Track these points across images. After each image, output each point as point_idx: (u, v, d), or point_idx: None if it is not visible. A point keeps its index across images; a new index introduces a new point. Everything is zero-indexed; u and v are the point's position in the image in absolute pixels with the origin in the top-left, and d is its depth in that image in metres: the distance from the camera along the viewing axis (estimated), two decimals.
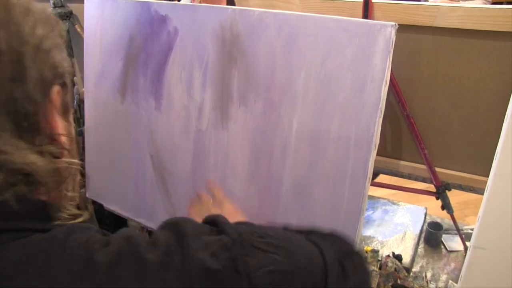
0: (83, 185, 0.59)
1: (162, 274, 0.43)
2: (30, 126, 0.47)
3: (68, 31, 1.50)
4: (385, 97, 0.72)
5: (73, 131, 0.56)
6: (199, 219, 0.90)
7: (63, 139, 0.52)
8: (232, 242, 0.47)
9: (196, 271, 0.44)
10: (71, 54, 1.54)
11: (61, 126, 0.52)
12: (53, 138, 0.51)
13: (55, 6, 1.47)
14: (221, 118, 0.90)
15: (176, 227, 0.49)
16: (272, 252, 0.49)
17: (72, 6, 1.51)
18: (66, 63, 0.53)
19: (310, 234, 0.63)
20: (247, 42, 0.84)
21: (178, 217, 0.53)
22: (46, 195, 0.50)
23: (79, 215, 0.52)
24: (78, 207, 0.53)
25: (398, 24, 0.72)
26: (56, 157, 0.51)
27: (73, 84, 1.45)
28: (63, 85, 0.53)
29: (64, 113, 0.54)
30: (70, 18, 1.50)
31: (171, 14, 0.93)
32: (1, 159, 0.43)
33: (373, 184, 1.37)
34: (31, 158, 0.46)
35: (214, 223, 0.53)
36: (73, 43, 1.54)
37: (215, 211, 0.91)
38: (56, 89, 0.51)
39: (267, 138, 0.85)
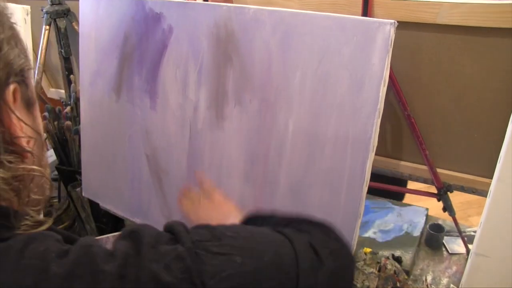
0: (50, 187, 0.55)
1: (118, 287, 0.42)
2: None
3: (65, 29, 1.49)
4: (384, 97, 0.70)
5: (40, 127, 0.53)
6: (191, 211, 0.88)
7: (23, 141, 0.49)
8: (186, 251, 0.46)
9: (150, 283, 0.43)
10: (68, 52, 1.53)
11: (20, 128, 0.49)
12: (12, 143, 0.48)
13: (52, 3, 1.45)
14: (217, 118, 0.88)
15: (134, 236, 0.47)
16: (230, 254, 0.48)
17: (69, 4, 1.49)
18: (21, 57, 0.49)
19: (287, 226, 0.62)
20: (242, 40, 0.82)
21: (140, 224, 0.51)
22: (7, 201, 0.47)
23: (43, 222, 0.49)
24: (44, 213, 0.52)
25: (399, 21, 0.70)
26: (21, 162, 0.48)
27: (70, 82, 1.43)
28: (21, 82, 0.50)
29: (28, 109, 0.51)
30: (68, 15, 1.48)
31: (166, 12, 0.91)
32: None
33: (372, 186, 1.35)
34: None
35: (171, 230, 0.50)
36: (71, 41, 1.53)
37: (204, 202, 0.89)
38: (12, 88, 0.48)
39: (263, 139, 0.83)
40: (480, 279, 0.74)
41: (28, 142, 0.50)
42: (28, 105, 0.51)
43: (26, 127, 0.50)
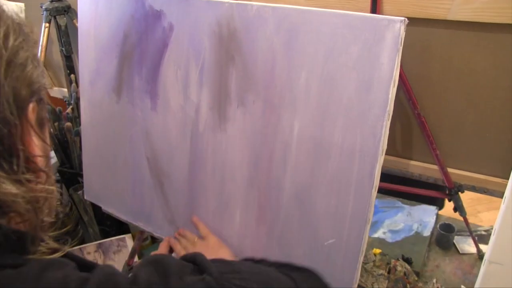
0: (60, 211, 0.53)
1: None
2: (5, 151, 0.42)
3: (66, 27, 1.46)
4: (393, 99, 0.67)
5: (48, 149, 0.51)
6: (183, 253, 0.91)
7: (41, 160, 0.47)
8: (215, 281, 0.47)
9: None
10: (69, 51, 1.50)
11: (38, 146, 0.48)
12: (30, 161, 0.46)
13: (52, 0, 1.42)
14: (219, 119, 0.85)
15: (159, 265, 0.47)
16: (249, 287, 0.50)
17: (70, 0, 1.46)
18: (42, 76, 0.48)
19: (282, 267, 0.66)
20: (245, 38, 0.78)
21: (160, 254, 0.53)
22: (22, 224, 0.45)
23: (58, 249, 0.47)
24: (57, 239, 0.49)
25: (409, 18, 0.66)
26: (36, 183, 0.46)
27: (71, 82, 1.41)
28: (39, 101, 0.48)
29: (40, 129, 0.49)
30: (68, 12, 1.46)
31: (166, 9, 0.88)
32: None
33: (382, 186, 1.32)
34: (8, 188, 0.41)
35: (194, 261, 0.52)
36: (72, 39, 1.50)
37: (200, 243, 0.92)
38: (31, 106, 0.46)
39: (267, 142, 0.79)
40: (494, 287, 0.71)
41: (41, 162, 0.48)
42: (41, 125, 0.49)
43: (41, 146, 0.48)
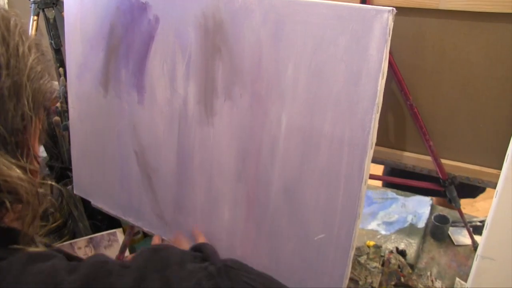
0: (49, 206, 0.54)
1: None
2: (17, 143, 0.47)
3: (54, 19, 1.43)
4: (382, 91, 0.65)
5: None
6: None
7: (39, 162, 0.53)
8: (217, 271, 0.47)
9: None
10: (59, 44, 1.47)
11: (38, 149, 0.54)
12: (34, 159, 0.51)
13: None
14: (206, 113, 0.83)
15: (158, 253, 0.48)
16: (253, 286, 0.50)
17: None
18: (52, 88, 0.54)
19: None
20: (231, 30, 0.76)
21: (161, 244, 0.57)
22: (16, 222, 0.48)
23: (47, 246, 0.50)
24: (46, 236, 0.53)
25: (400, 7, 0.65)
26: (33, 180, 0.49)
27: (59, 75, 1.38)
28: (47, 110, 0.55)
29: (40, 138, 0.54)
30: (57, 5, 1.43)
31: (151, 1, 0.86)
32: None
33: (375, 177, 1.30)
34: (17, 172, 0.45)
35: (200, 250, 0.53)
36: (61, 32, 1.47)
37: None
38: (42, 112, 0.52)
39: (255, 135, 0.78)
40: (486, 282, 0.70)
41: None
42: (41, 135, 0.55)
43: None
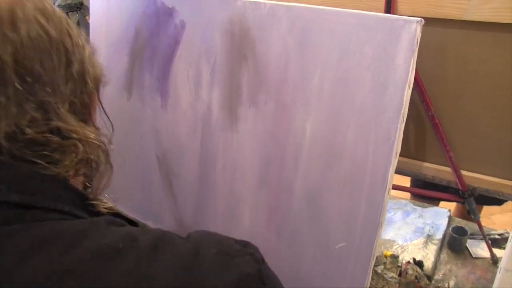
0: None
1: (198, 261, 0.45)
2: (85, 115, 0.55)
3: (78, 23, 1.46)
4: (408, 101, 0.65)
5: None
6: None
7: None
8: (261, 260, 0.50)
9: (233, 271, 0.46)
10: None
11: (96, 123, 0.60)
12: (96, 129, 0.59)
13: None
14: (230, 119, 0.84)
15: (210, 233, 0.51)
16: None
17: None
18: (104, 76, 0.60)
19: None
20: (257, 37, 0.77)
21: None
22: (84, 183, 0.57)
23: (112, 209, 0.57)
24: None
25: (424, 18, 0.65)
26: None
27: None
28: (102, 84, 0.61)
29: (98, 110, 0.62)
30: (81, 9, 1.45)
31: (178, 6, 0.87)
32: (70, 132, 0.50)
33: (395, 187, 1.30)
34: (89, 132, 0.53)
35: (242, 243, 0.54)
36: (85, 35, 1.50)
37: None
38: (99, 87, 0.60)
39: (279, 142, 0.78)
40: None
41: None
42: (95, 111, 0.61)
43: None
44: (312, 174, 0.76)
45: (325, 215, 0.76)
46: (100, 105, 0.63)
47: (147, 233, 0.46)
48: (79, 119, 0.52)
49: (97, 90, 0.59)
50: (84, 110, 0.54)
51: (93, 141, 0.53)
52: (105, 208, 0.56)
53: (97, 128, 0.59)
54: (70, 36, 0.51)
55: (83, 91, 0.53)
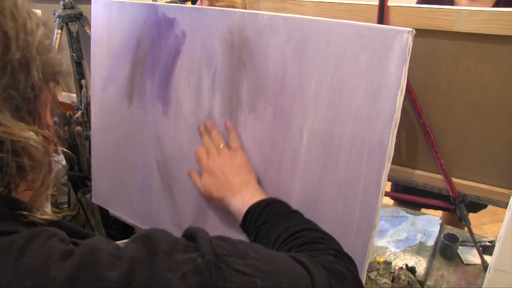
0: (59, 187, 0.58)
1: None
2: (28, 112, 0.49)
3: (77, 33, 1.48)
4: (401, 107, 0.68)
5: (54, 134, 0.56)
6: (203, 157, 0.87)
7: (52, 132, 0.54)
8: (205, 264, 0.44)
9: None
10: (80, 57, 1.52)
11: (51, 120, 0.54)
12: (45, 127, 0.52)
13: (65, 7, 1.45)
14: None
15: (148, 241, 0.46)
16: (252, 276, 0.47)
17: (82, 8, 1.49)
18: (60, 62, 0.54)
19: (309, 245, 0.63)
20: (256, 46, 0.80)
21: (153, 229, 0.49)
22: (25, 193, 0.49)
23: (52, 221, 0.49)
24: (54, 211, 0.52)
25: (416, 29, 0.68)
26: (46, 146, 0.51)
27: (81, 87, 1.43)
28: (57, 83, 0.56)
29: (52, 110, 0.55)
30: (80, 19, 1.48)
31: (179, 17, 0.90)
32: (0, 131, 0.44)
33: (387, 194, 1.33)
34: (30, 134, 0.47)
35: (193, 237, 0.50)
36: (83, 45, 1.52)
37: (224, 155, 0.85)
38: (52, 84, 0.54)
39: (277, 147, 0.81)
40: None
41: (52, 133, 0.54)
42: (52, 108, 0.56)
43: (52, 123, 0.55)
44: (309, 178, 0.79)
45: (321, 218, 0.78)
46: (55, 104, 0.56)
47: (69, 257, 0.41)
48: (18, 117, 0.47)
49: (48, 86, 0.53)
50: (27, 107, 0.48)
51: (34, 144, 0.47)
52: (43, 219, 0.49)
53: (48, 130, 0.53)
54: (14, 19, 0.47)
55: (26, 84, 0.48)
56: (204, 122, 0.90)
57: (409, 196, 1.22)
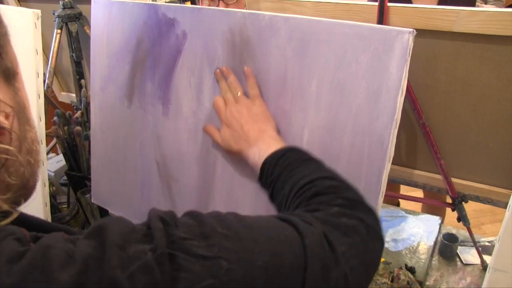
0: (25, 177, 0.48)
1: None
2: None
3: (77, 33, 1.48)
4: (401, 107, 0.68)
5: (24, 101, 0.49)
6: (222, 108, 0.82)
7: (7, 117, 0.45)
8: (156, 260, 0.39)
9: None
10: (80, 57, 1.52)
11: (4, 101, 0.45)
12: None
13: (64, 7, 1.45)
14: None
15: (101, 234, 0.41)
16: (216, 258, 0.42)
17: (81, 8, 1.49)
18: (13, 54, 0.47)
19: (312, 200, 0.58)
20: (257, 47, 0.81)
21: (108, 218, 0.44)
22: None
23: (8, 214, 0.43)
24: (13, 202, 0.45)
25: (415, 29, 0.68)
26: None
27: (80, 87, 1.43)
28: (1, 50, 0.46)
29: (6, 81, 0.47)
30: (80, 19, 1.48)
31: (180, 17, 0.90)
32: None
33: (387, 194, 1.33)
34: None
35: (149, 225, 0.44)
36: (82, 45, 1.52)
37: (242, 104, 0.81)
38: None
39: None
40: None
41: (6, 118, 0.45)
42: (6, 76, 0.47)
43: (9, 101, 0.46)
44: None
45: None
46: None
47: (20, 260, 0.38)
48: None
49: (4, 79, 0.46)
50: None
51: None
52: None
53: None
54: None
55: None
56: (221, 67, 0.85)
57: (409, 196, 1.22)
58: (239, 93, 0.82)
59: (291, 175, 0.65)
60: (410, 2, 1.48)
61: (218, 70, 0.86)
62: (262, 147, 0.74)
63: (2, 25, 0.46)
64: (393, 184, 1.16)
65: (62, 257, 0.38)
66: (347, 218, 0.54)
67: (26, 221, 0.46)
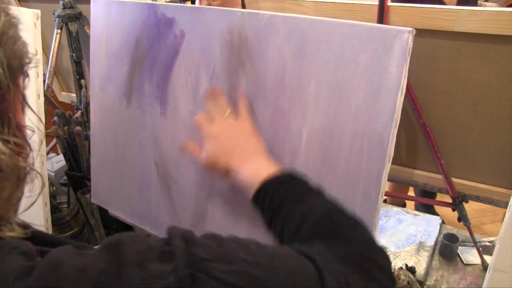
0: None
1: None
2: None
3: (77, 33, 1.48)
4: (401, 107, 0.68)
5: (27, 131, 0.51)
6: (204, 124, 0.79)
7: (27, 132, 0.48)
8: (178, 282, 0.39)
9: None
10: (80, 56, 1.52)
11: (23, 119, 0.49)
12: (17, 129, 0.46)
13: (64, 7, 1.45)
14: None
15: (116, 250, 0.41)
16: (237, 285, 0.41)
17: (81, 7, 1.49)
18: (29, 55, 0.49)
19: (329, 235, 0.56)
20: (256, 47, 0.80)
21: (124, 234, 0.44)
22: None
23: (17, 229, 0.44)
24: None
25: (415, 29, 0.68)
26: (19, 152, 0.46)
27: (80, 87, 1.42)
28: (26, 76, 0.50)
29: (23, 107, 0.50)
30: (80, 19, 1.48)
31: (178, 17, 0.90)
32: None
33: (388, 194, 1.33)
34: None
35: (169, 241, 0.44)
36: (82, 45, 1.52)
37: (230, 123, 0.78)
38: (21, 78, 0.49)
39: (276, 148, 0.81)
40: None
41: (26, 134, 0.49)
42: (24, 103, 0.50)
43: (29, 120, 0.49)
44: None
45: None
46: (26, 104, 0.50)
47: (28, 276, 0.37)
48: None
49: (16, 82, 0.47)
50: None
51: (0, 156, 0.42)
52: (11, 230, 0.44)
53: (20, 131, 0.47)
54: None
55: None
56: (213, 87, 0.82)
57: (409, 196, 1.22)
58: (227, 111, 0.80)
59: (299, 206, 0.63)
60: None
61: (209, 90, 0.84)
62: (259, 167, 0.71)
63: (30, 59, 0.49)
64: (402, 185, 1.15)
65: (73, 273, 0.38)
66: (369, 263, 0.52)
67: (33, 237, 0.45)
